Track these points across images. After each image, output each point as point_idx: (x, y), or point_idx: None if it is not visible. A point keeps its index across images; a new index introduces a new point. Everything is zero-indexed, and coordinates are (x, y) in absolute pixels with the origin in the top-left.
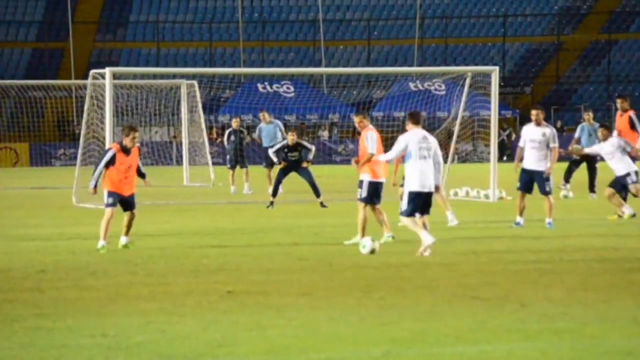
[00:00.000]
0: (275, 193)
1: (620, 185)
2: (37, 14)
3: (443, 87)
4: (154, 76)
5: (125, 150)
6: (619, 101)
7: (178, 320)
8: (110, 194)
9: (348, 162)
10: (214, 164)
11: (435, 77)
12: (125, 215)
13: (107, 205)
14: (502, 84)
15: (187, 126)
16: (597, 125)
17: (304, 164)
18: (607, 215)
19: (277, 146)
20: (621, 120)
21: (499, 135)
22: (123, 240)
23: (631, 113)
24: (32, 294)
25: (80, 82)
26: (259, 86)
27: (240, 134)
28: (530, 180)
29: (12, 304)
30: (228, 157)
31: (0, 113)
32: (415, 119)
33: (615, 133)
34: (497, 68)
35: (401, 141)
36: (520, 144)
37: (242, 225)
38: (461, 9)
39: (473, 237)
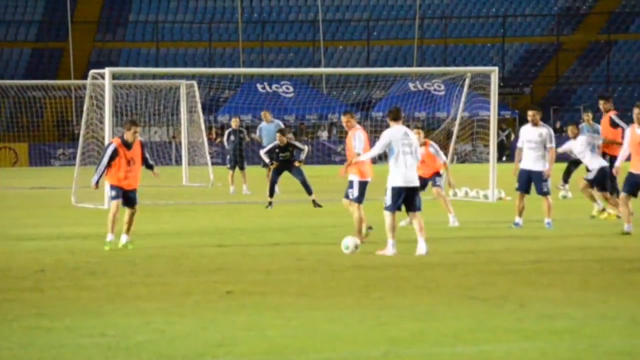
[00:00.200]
0: (271, 193)
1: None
2: (36, 13)
3: (442, 87)
4: (154, 76)
5: (127, 145)
6: (600, 102)
7: (177, 320)
8: (112, 187)
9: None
10: (213, 164)
11: (434, 78)
12: (126, 212)
13: (112, 198)
14: (501, 84)
15: (186, 126)
16: (597, 125)
17: (296, 164)
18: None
19: (269, 147)
20: (603, 121)
21: (498, 135)
22: (123, 239)
23: (612, 114)
24: (31, 293)
25: (79, 82)
26: (259, 86)
27: (239, 134)
28: (528, 180)
29: (11, 303)
30: (228, 157)
31: None
32: (396, 115)
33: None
34: (496, 68)
35: (384, 137)
36: (519, 144)
37: (241, 225)
38: (461, 9)
39: (472, 237)
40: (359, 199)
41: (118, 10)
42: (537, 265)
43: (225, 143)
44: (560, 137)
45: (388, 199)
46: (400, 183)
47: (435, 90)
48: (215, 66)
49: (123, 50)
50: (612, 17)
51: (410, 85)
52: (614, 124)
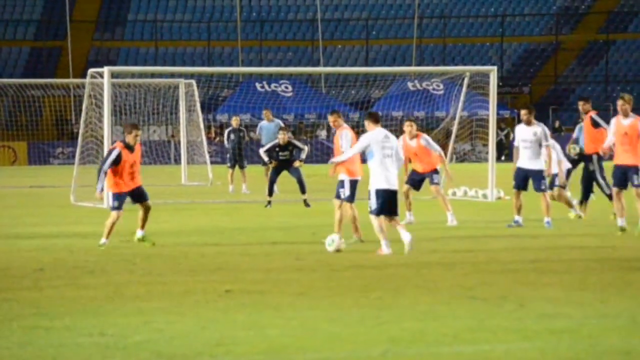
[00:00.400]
0: (270, 193)
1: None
2: (35, 12)
3: (441, 86)
4: (152, 75)
5: (129, 148)
6: (580, 104)
7: (176, 319)
8: (115, 196)
9: None
10: (212, 163)
11: (433, 77)
12: (140, 209)
13: (113, 208)
14: (500, 83)
15: (185, 125)
16: None
17: (296, 164)
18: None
19: (268, 146)
20: (585, 122)
21: (497, 135)
22: (139, 233)
23: (592, 114)
24: (30, 292)
25: (78, 81)
26: (257, 85)
27: (240, 133)
28: (525, 178)
29: (10, 302)
30: (228, 156)
31: None
32: (375, 119)
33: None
34: (495, 68)
35: (363, 140)
36: (515, 143)
37: (241, 225)
38: (459, 8)
39: (471, 237)
40: (351, 198)
41: (117, 9)
42: (537, 264)
43: (226, 142)
44: (560, 137)
45: (373, 203)
46: (384, 185)
47: (434, 89)
48: (214, 65)
49: (122, 49)
50: (611, 16)
51: (409, 84)
52: (595, 124)
